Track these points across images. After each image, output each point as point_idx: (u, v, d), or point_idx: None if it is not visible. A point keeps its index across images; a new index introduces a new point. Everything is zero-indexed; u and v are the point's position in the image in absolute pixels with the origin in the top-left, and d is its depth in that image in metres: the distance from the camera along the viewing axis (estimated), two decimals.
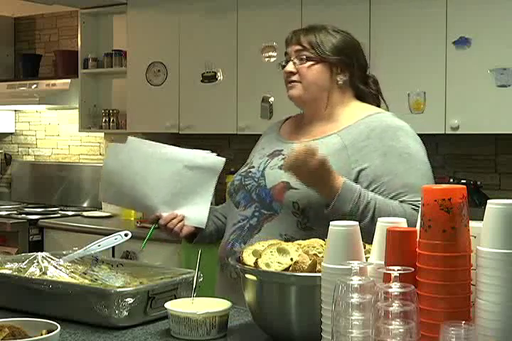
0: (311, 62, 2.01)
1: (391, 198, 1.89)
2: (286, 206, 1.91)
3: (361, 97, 2.09)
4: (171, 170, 2.06)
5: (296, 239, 1.68)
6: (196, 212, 2.08)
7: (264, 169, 2.02)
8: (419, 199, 1.87)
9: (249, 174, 2.05)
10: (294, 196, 1.91)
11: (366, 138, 1.95)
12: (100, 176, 2.17)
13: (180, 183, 2.06)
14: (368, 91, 2.09)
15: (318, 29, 2.04)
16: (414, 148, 1.95)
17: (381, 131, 1.95)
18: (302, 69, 2.02)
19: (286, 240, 1.86)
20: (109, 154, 2.17)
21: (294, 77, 2.03)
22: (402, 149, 1.93)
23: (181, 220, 2.07)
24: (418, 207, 1.86)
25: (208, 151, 2.10)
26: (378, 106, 2.11)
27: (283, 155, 2.00)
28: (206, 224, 2.11)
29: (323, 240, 1.56)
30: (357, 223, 1.39)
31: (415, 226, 1.78)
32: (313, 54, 2.01)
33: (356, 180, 1.90)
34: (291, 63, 2.03)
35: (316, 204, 1.88)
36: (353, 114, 2.02)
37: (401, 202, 1.88)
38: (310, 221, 1.91)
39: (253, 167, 2.07)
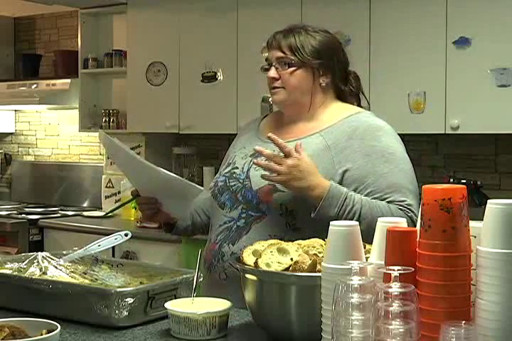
0: (293, 68, 2.00)
1: (377, 199, 1.90)
2: (273, 208, 1.91)
3: (342, 97, 2.09)
4: (148, 176, 1.99)
5: (285, 239, 1.68)
6: (175, 206, 2.08)
7: (248, 170, 2.01)
8: (405, 199, 1.90)
9: (234, 175, 2.04)
10: (281, 198, 1.91)
11: (348, 139, 1.96)
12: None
13: (159, 187, 2.02)
14: (348, 91, 2.09)
15: (297, 31, 2.02)
16: (395, 146, 1.97)
17: (362, 131, 1.96)
18: (285, 75, 2.00)
19: None
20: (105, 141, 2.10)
21: (277, 83, 2.02)
22: (384, 149, 1.94)
23: (156, 207, 2.06)
24: (404, 207, 1.89)
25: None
26: (359, 104, 2.12)
27: None
28: (183, 218, 2.15)
29: (323, 240, 1.56)
30: (357, 223, 1.39)
31: None
32: (294, 59, 1.99)
33: (341, 182, 1.91)
34: (273, 68, 2.02)
35: (303, 206, 1.89)
36: (335, 114, 2.03)
37: (388, 202, 1.89)
38: (298, 222, 1.91)
39: (236, 168, 2.05)
